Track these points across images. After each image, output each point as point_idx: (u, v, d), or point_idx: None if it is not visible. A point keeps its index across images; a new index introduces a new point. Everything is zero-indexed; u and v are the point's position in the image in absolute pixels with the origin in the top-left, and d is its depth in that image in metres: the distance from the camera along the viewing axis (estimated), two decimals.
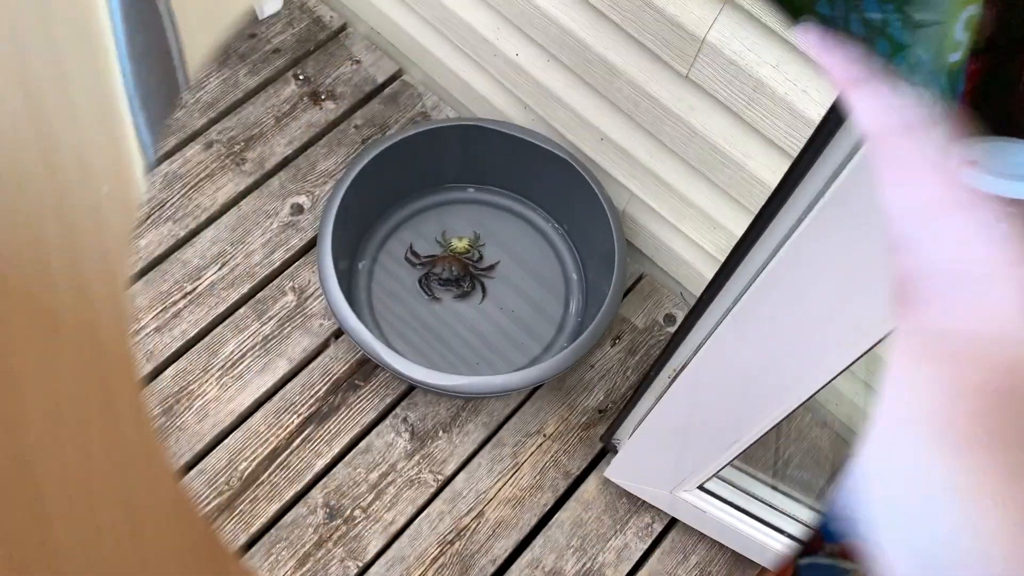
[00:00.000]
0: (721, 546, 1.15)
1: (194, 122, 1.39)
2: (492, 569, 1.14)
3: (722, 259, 1.21)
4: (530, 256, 1.34)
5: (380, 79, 1.47)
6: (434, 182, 1.37)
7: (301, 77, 1.46)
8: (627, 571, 1.15)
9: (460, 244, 1.33)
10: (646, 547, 1.16)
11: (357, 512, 1.14)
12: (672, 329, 1.32)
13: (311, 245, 1.32)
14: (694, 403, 0.87)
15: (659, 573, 1.16)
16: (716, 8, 0.93)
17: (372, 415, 1.21)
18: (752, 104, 0.97)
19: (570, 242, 1.35)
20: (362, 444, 1.19)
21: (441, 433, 1.20)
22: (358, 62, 1.49)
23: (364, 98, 1.46)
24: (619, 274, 1.17)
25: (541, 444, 1.21)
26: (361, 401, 1.22)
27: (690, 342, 0.85)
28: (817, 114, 0.92)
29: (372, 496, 1.15)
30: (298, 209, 1.34)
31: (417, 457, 1.18)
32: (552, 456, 1.21)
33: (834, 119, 0.54)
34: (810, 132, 0.94)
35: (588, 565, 1.15)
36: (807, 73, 0.90)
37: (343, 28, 1.52)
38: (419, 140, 1.25)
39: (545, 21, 1.13)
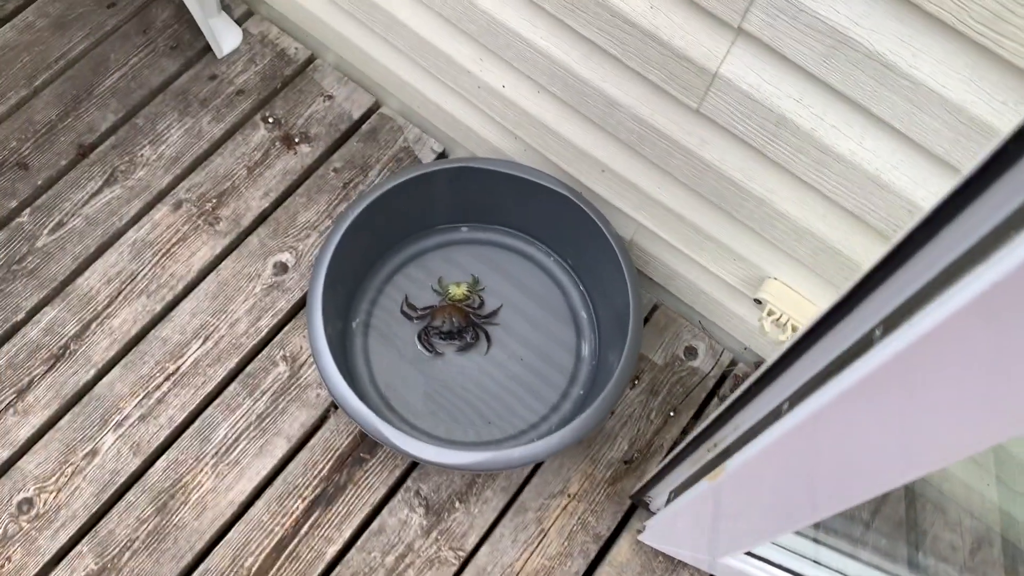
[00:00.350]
0: None
1: (158, 180, 1.29)
2: None
3: (744, 291, 1.13)
4: (535, 295, 1.25)
5: (356, 114, 1.37)
6: (425, 225, 1.27)
7: (271, 119, 1.35)
8: None
9: (458, 290, 1.23)
10: None
11: None
12: (694, 363, 1.24)
13: (300, 306, 1.23)
14: (741, 488, 0.78)
15: None
16: (728, 39, 0.83)
17: (382, 491, 1.12)
18: (775, 139, 0.88)
19: (576, 277, 1.26)
20: (374, 524, 1.10)
21: (458, 504, 1.12)
22: (331, 97, 1.38)
23: (341, 137, 1.35)
24: (635, 326, 1.08)
25: (566, 506, 1.13)
26: (369, 476, 1.13)
27: (736, 424, 0.76)
28: (848, 150, 0.83)
29: None
30: (282, 268, 1.24)
31: (435, 533, 1.10)
32: (579, 518, 1.13)
33: (944, 214, 0.44)
34: (840, 168, 0.85)
35: None
36: (835, 107, 0.81)
37: (311, 61, 1.41)
38: (408, 187, 1.15)
39: (533, 53, 1.03)
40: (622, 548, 1.11)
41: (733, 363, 1.25)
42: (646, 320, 1.27)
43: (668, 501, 0.99)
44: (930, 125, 0.75)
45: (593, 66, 0.99)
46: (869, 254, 0.93)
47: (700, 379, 1.23)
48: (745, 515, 0.83)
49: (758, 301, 1.08)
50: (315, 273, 1.08)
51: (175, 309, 1.20)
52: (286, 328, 1.21)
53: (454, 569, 1.08)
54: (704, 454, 0.86)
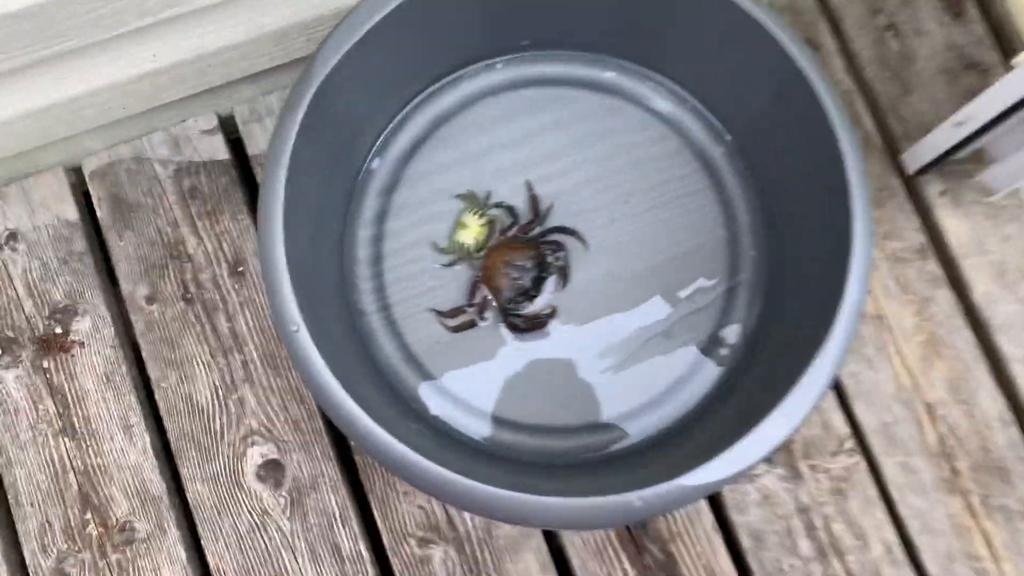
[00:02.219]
0: None
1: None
2: None
3: None
4: (567, 131, 0.75)
5: (70, 214, 0.76)
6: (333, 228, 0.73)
7: (70, 399, 0.73)
8: None
9: (474, 230, 0.72)
10: None
11: None
12: None
13: (352, 472, 0.72)
14: None
15: None
16: None
17: None
18: None
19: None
20: None
21: None
22: (14, 235, 0.75)
23: (90, 266, 0.75)
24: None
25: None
26: None
27: None
28: None
29: None
30: (273, 466, 0.71)
31: None
32: (887, 255, 0.74)
33: None
34: None
35: None
36: None
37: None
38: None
39: None
40: (953, 230, 0.74)
41: None
42: None
43: None
44: None
45: None
46: None
47: None
48: None
49: None
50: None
51: None
52: (367, 500, 0.71)
53: None
54: None
